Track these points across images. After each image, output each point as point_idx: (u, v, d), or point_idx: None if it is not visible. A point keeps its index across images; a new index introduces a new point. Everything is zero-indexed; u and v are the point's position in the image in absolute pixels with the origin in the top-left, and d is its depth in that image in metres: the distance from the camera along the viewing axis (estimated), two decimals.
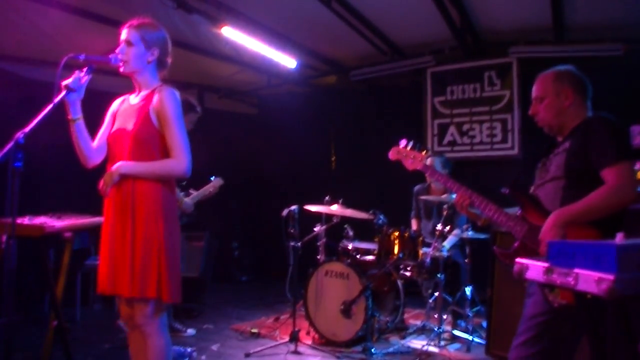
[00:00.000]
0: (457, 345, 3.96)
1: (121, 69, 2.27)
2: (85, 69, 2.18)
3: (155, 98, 2.24)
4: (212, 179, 4.26)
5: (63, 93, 2.12)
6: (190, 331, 4.22)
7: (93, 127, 2.36)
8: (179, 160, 2.20)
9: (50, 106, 2.05)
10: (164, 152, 2.23)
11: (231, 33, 4.48)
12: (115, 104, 2.42)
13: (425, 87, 5.94)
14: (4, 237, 2.02)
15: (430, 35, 5.15)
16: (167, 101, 2.22)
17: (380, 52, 5.58)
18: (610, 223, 1.96)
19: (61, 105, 2.15)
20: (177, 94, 2.28)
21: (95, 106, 2.46)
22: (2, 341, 2.03)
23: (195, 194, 4.11)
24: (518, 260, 1.95)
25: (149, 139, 2.22)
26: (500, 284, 3.43)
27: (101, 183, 2.21)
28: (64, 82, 2.13)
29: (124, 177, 2.20)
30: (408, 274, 4.17)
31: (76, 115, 2.25)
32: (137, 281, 2.14)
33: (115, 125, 2.33)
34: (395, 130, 6.30)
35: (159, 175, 2.23)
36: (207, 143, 4.20)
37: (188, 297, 4.14)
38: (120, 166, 2.19)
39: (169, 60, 2.39)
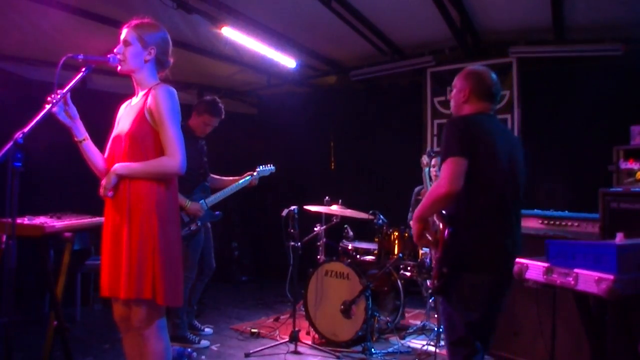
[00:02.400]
0: None
1: (118, 68, 2.26)
2: (60, 90, 2.13)
3: (150, 96, 2.23)
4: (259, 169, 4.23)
5: (47, 108, 2.07)
6: (205, 342, 3.97)
7: (93, 127, 2.36)
8: (172, 158, 2.18)
9: (49, 107, 2.05)
10: (160, 151, 2.21)
11: (231, 33, 4.48)
12: (121, 109, 2.43)
13: (425, 87, 5.93)
14: (4, 237, 2.02)
15: (430, 35, 5.15)
16: (160, 98, 2.20)
17: (380, 52, 5.57)
18: (459, 217, 2.20)
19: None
20: (173, 91, 2.26)
21: (95, 106, 2.46)
22: (2, 341, 2.03)
23: (213, 196, 4.02)
24: (518, 260, 1.96)
25: (144, 138, 2.20)
26: None
27: (101, 187, 2.21)
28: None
29: (121, 178, 2.19)
30: (408, 274, 4.17)
31: (80, 137, 2.27)
32: (133, 283, 2.12)
33: (116, 129, 2.33)
34: (395, 130, 6.31)
35: (152, 174, 2.20)
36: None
37: None
38: (116, 168, 2.19)
39: (170, 60, 2.38)
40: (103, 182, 2.21)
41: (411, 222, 2.31)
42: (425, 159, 3.66)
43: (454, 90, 2.46)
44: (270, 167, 4.31)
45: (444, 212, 2.26)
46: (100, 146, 2.38)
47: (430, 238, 2.29)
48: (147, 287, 2.12)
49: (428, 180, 3.57)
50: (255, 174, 4.20)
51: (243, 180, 4.16)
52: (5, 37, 4.35)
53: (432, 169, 4.65)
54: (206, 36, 4.80)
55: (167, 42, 2.35)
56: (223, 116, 4.03)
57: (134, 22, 2.29)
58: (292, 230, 4.13)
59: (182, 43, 4.83)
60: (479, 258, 2.18)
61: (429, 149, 3.66)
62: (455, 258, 2.18)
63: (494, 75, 2.44)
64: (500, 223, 2.23)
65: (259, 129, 7.44)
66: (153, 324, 2.21)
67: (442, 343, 3.89)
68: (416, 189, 4.83)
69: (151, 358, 2.20)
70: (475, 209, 2.20)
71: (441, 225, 2.26)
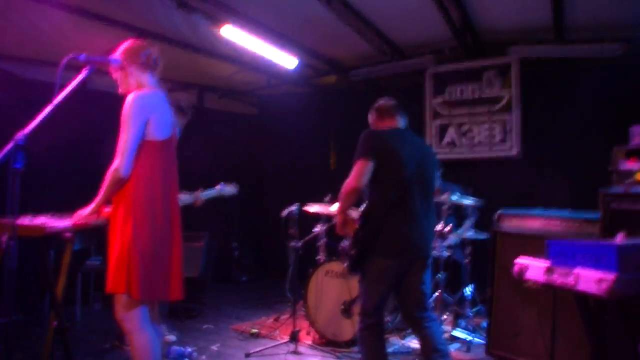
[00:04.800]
0: (457, 345, 3.96)
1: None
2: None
3: None
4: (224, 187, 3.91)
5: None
6: (171, 337, 3.84)
7: (94, 127, 2.37)
8: (115, 163, 2.29)
9: (50, 107, 2.06)
10: (138, 156, 2.33)
11: (231, 33, 4.48)
12: None
13: (425, 87, 5.93)
14: (5, 237, 2.02)
15: (430, 35, 5.15)
16: (124, 107, 2.32)
17: (380, 52, 5.57)
18: (369, 211, 2.71)
19: (61, 106, 2.14)
20: (136, 97, 2.32)
21: (95, 106, 2.47)
22: (2, 341, 2.04)
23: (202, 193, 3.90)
24: (518, 260, 1.97)
25: None
26: (500, 284, 3.43)
27: None
28: None
29: None
30: None
31: None
32: (111, 277, 2.27)
33: None
34: None
35: (107, 179, 2.32)
36: (207, 143, 4.19)
37: (188, 297, 4.11)
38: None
39: (142, 55, 2.42)
40: None
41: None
42: None
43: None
44: (232, 188, 3.93)
45: (362, 208, 2.75)
46: (100, 146, 2.39)
47: (350, 229, 2.77)
48: (121, 281, 2.25)
49: None
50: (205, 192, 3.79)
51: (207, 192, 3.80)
52: (5, 37, 4.36)
53: None
54: (206, 36, 4.79)
55: (128, 47, 2.42)
56: (192, 110, 3.93)
57: None
58: (292, 231, 4.13)
59: (182, 43, 4.81)
60: (381, 245, 2.64)
61: None
62: (362, 243, 2.66)
63: (389, 100, 3.19)
64: (404, 217, 2.68)
65: (259, 129, 7.44)
66: (132, 318, 2.32)
67: None
68: None
69: (135, 350, 2.32)
70: (381, 205, 2.67)
71: (357, 218, 2.77)
